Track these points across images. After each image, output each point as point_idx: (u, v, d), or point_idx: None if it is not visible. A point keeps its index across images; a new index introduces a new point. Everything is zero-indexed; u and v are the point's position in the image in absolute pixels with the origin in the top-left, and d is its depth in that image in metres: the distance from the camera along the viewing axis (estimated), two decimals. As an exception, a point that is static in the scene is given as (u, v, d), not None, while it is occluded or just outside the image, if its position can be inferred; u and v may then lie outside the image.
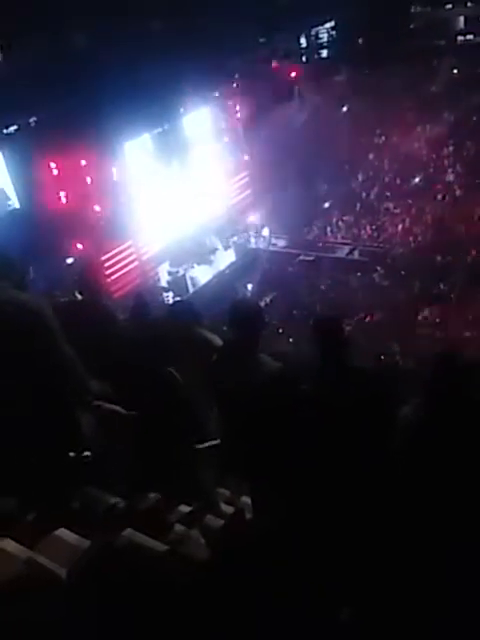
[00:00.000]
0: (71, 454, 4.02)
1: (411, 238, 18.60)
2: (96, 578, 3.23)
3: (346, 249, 18.98)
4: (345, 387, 3.45)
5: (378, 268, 17.52)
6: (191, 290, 17.31)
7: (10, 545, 3.56)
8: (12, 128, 13.53)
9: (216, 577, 3.46)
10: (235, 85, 18.94)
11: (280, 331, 15.31)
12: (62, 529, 3.49)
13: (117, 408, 4.23)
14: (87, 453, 4.06)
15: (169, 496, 4.50)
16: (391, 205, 20.24)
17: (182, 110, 17.45)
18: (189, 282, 17.44)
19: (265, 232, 19.62)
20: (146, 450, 4.35)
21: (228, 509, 4.47)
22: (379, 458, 3.42)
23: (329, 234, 19.86)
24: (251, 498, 4.24)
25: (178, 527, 4.08)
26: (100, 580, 3.22)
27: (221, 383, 3.69)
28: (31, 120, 13.84)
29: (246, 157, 19.95)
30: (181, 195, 17.75)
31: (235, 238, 19.05)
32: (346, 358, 3.51)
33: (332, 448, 3.38)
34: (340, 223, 20.16)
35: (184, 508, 4.40)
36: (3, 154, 13.35)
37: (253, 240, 19.45)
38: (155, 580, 3.34)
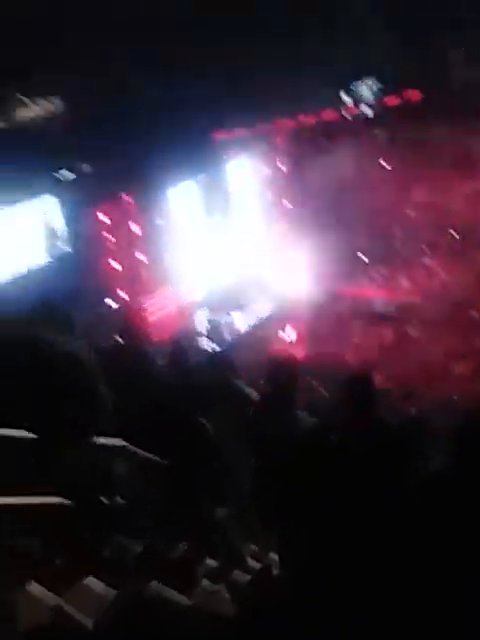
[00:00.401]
0: (102, 499, 4.05)
1: (448, 294, 18.49)
2: (122, 632, 3.23)
3: (382, 301, 18.95)
4: (377, 442, 3.44)
5: (413, 321, 17.43)
6: (228, 338, 17.36)
7: (36, 589, 3.58)
8: (65, 173, 14.02)
9: (242, 635, 3.41)
10: (279, 136, 19.33)
11: (312, 382, 15.22)
12: (90, 578, 3.50)
13: (151, 456, 4.27)
14: (119, 499, 4.09)
15: (197, 548, 4.48)
16: (428, 260, 20.20)
17: (225, 158, 17.81)
18: (227, 330, 17.51)
19: (303, 281, 19.67)
20: (176, 499, 4.36)
21: (255, 565, 4.43)
22: (411, 514, 3.38)
23: (366, 286, 19.85)
24: (279, 554, 4.20)
25: (205, 582, 4.05)
26: (126, 634, 3.21)
27: (258, 437, 3.71)
28: (83, 166, 14.33)
29: (287, 207, 20.20)
30: (222, 243, 18.00)
31: (273, 287, 19.14)
32: (377, 413, 3.51)
33: (364, 504, 3.36)
34: (377, 275, 20.17)
35: (211, 562, 4.37)
36: (57, 198, 13.79)
37: (290, 290, 19.51)
38: (181, 637, 3.32)
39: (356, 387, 3.48)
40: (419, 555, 3.40)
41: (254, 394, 4.60)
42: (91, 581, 3.52)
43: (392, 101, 20.50)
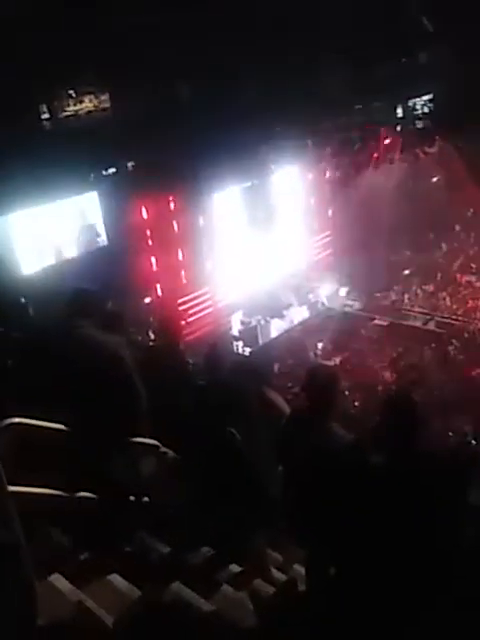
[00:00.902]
0: (131, 497, 4.03)
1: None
2: (142, 632, 3.20)
3: (422, 318, 18.64)
4: (412, 465, 3.36)
5: (454, 341, 17.09)
6: (261, 342, 17.34)
7: (60, 582, 3.57)
8: (111, 170, 14.15)
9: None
10: (327, 147, 19.25)
11: (346, 393, 15.09)
12: (114, 575, 3.49)
13: (180, 457, 4.23)
14: (145, 498, 4.07)
15: (220, 553, 4.44)
16: (473, 279, 19.86)
17: (272, 167, 17.84)
18: (260, 334, 17.51)
19: (341, 292, 19.57)
20: (202, 503, 4.32)
21: (278, 575, 4.36)
22: (448, 541, 3.29)
23: (407, 301, 19.60)
24: (306, 568, 4.12)
25: (226, 587, 4.00)
26: (145, 634, 3.19)
27: (290, 448, 3.65)
28: (129, 164, 14.45)
29: (330, 217, 20.12)
30: (262, 248, 18.02)
31: (311, 295, 19.07)
32: (416, 435, 3.42)
33: (397, 525, 3.28)
34: (419, 291, 19.89)
35: (234, 567, 4.32)
36: (98, 193, 13.95)
37: (328, 299, 19.40)
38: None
39: (398, 407, 3.39)
40: (449, 575, 3.31)
41: (282, 403, 4.52)
42: (115, 578, 3.51)
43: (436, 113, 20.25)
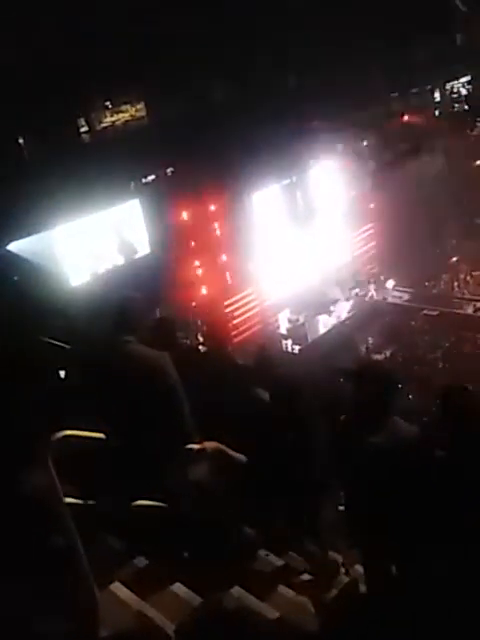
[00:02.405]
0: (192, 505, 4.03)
1: None
2: (202, 637, 3.19)
3: (473, 306, 18.19)
4: (473, 457, 3.28)
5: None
6: (310, 339, 17.22)
7: (121, 591, 3.60)
8: (150, 178, 14.28)
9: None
10: (366, 137, 19.00)
11: (400, 386, 14.84)
12: (175, 583, 3.49)
13: (238, 457, 4.19)
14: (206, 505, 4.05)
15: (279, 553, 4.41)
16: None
17: (311, 162, 17.70)
18: (308, 331, 17.39)
19: (389, 284, 19.27)
20: (266, 505, 4.29)
21: (340, 578, 4.30)
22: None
23: (456, 289, 19.16)
24: (365, 567, 4.05)
25: (287, 591, 3.97)
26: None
27: (353, 443, 3.58)
28: (168, 170, 14.55)
29: (373, 208, 19.84)
30: (305, 245, 17.90)
31: (357, 290, 18.85)
32: (475, 427, 3.34)
33: (462, 521, 3.20)
34: (468, 279, 19.41)
35: (294, 571, 4.28)
36: (140, 201, 14.08)
37: (375, 292, 19.14)
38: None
39: (453, 399, 3.31)
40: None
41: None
42: (175, 585, 3.52)
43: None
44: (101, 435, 3.36)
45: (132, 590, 3.52)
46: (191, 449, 3.69)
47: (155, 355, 3.61)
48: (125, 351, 3.57)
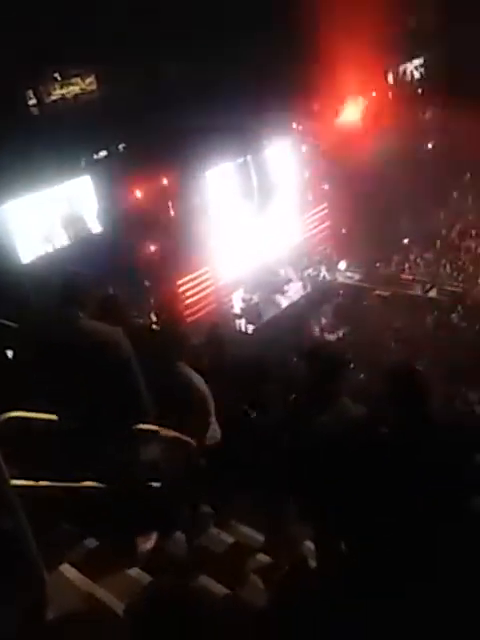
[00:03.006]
0: (139, 484, 4.00)
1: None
2: (154, 618, 3.18)
3: (424, 287, 18.54)
4: (421, 435, 3.33)
5: (457, 308, 17.02)
6: (263, 319, 17.29)
7: (70, 572, 3.56)
8: (102, 154, 13.99)
9: (273, 626, 3.34)
10: (318, 119, 19.04)
11: (351, 366, 15.05)
12: (125, 564, 3.47)
13: (187, 439, 4.18)
14: (154, 483, 4.03)
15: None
16: (473, 244, 19.71)
17: (265, 141, 17.64)
18: (262, 310, 17.45)
19: (341, 265, 19.46)
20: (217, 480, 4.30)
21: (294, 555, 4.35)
22: (456, 510, 3.27)
23: (407, 270, 19.48)
24: (316, 543, 4.10)
25: (237, 568, 3.99)
26: (158, 620, 3.16)
27: (302, 423, 3.60)
28: (120, 146, 14.28)
29: (326, 189, 19.94)
30: (259, 225, 17.89)
31: (311, 270, 18.97)
32: (422, 405, 3.39)
33: (408, 497, 3.25)
34: (419, 260, 19.76)
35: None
36: (91, 178, 13.80)
37: (328, 273, 19.30)
38: (212, 624, 3.26)
39: (401, 378, 3.34)
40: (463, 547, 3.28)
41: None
42: (125, 566, 3.49)
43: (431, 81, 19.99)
44: (50, 416, 3.28)
45: (81, 571, 3.48)
46: (146, 430, 3.65)
47: (108, 329, 3.52)
48: (76, 326, 3.47)
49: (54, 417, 3.34)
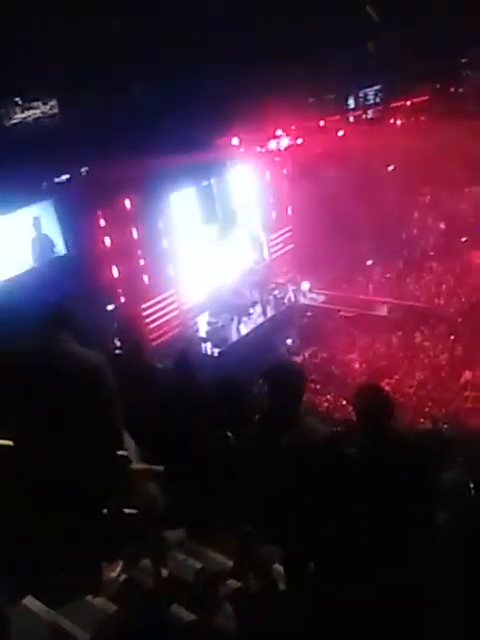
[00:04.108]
0: (104, 510, 3.91)
1: (455, 299, 18.33)
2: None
3: (388, 307, 18.76)
4: (387, 454, 3.34)
5: (420, 328, 17.25)
6: (229, 342, 17.25)
7: (34, 604, 3.45)
8: (64, 177, 13.90)
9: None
10: (281, 141, 19.27)
11: (318, 387, 15.10)
12: (88, 594, 3.38)
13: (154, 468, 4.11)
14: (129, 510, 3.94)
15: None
16: (435, 264, 20.06)
17: (227, 164, 17.78)
18: (228, 333, 17.42)
19: (305, 286, 19.59)
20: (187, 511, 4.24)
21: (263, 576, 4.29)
22: (423, 526, 3.28)
23: (371, 291, 19.71)
24: (285, 565, 4.06)
25: (205, 593, 3.92)
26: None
27: (266, 444, 3.57)
28: (82, 170, 14.21)
29: (289, 212, 20.15)
30: (223, 247, 17.95)
31: (276, 292, 19.06)
32: (388, 424, 3.41)
33: (375, 515, 3.25)
34: (383, 280, 20.02)
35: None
36: (54, 202, 13.70)
37: (293, 294, 19.41)
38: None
39: (367, 398, 3.36)
40: (433, 567, 3.28)
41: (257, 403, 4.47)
42: (90, 596, 3.40)
43: (397, 104, 20.45)
44: (8, 442, 3.19)
45: (46, 603, 3.38)
46: (121, 457, 3.58)
47: (93, 355, 3.45)
48: (61, 350, 3.38)
49: (15, 443, 3.26)
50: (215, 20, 16.32)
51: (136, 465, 3.83)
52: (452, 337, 16.50)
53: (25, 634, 3.09)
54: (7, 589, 3.02)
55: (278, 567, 4.15)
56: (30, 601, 3.43)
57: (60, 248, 14.11)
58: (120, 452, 3.66)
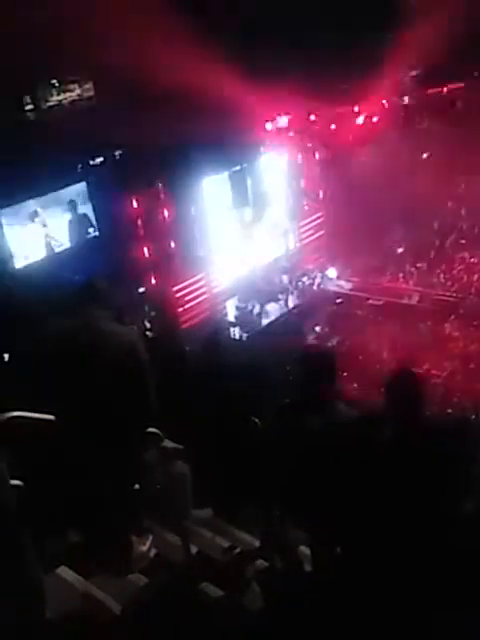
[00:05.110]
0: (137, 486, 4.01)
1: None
2: (150, 618, 3.20)
3: (418, 296, 18.61)
4: (417, 442, 3.35)
5: (450, 318, 17.10)
6: (258, 327, 17.31)
7: (67, 573, 3.57)
8: (98, 160, 14.02)
9: (270, 631, 3.36)
10: (315, 128, 19.14)
11: (345, 374, 15.09)
12: (122, 566, 3.49)
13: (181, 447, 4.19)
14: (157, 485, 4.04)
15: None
16: (467, 254, 19.80)
17: (261, 149, 17.73)
18: (256, 318, 17.48)
19: (331, 274, 19.51)
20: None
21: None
22: (450, 516, 3.29)
23: (401, 280, 19.56)
24: (311, 549, 4.12)
25: (236, 572, 4.01)
26: (154, 620, 3.18)
27: (296, 428, 3.62)
28: (116, 153, 14.31)
29: (321, 198, 20.04)
30: (254, 233, 17.94)
31: (305, 278, 19.03)
32: (420, 411, 3.42)
33: (402, 503, 3.28)
34: (413, 269, 19.84)
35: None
36: (88, 183, 13.84)
37: (322, 281, 19.36)
38: (208, 627, 3.28)
39: (400, 385, 3.37)
40: (453, 557, 3.30)
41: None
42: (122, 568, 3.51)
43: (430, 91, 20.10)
44: (51, 417, 3.28)
45: (79, 573, 3.49)
46: (152, 433, 3.66)
47: (128, 331, 3.52)
48: (96, 326, 3.44)
49: (52, 418, 3.35)
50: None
51: (167, 443, 3.92)
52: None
53: (58, 602, 3.19)
54: (42, 558, 3.13)
55: (305, 549, 4.21)
56: (63, 570, 3.54)
57: (91, 230, 14.27)
58: (152, 429, 3.74)
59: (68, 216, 14.00)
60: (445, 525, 3.28)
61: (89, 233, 14.25)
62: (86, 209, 14.13)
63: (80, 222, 14.15)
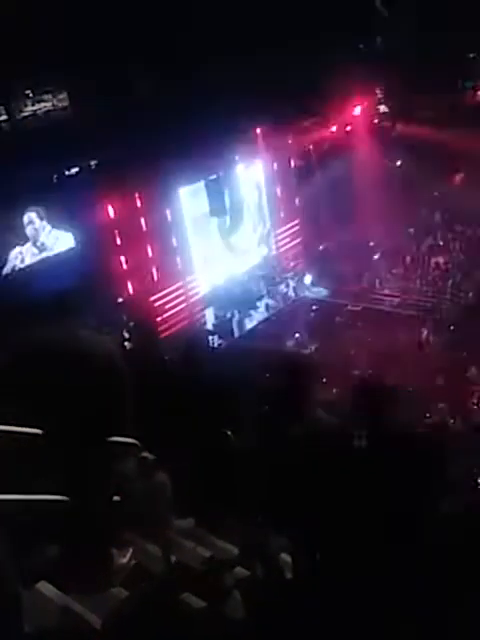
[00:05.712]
0: (116, 498, 3.98)
1: (461, 294, 18.33)
2: (130, 632, 3.17)
3: (394, 302, 18.78)
4: (394, 448, 3.38)
5: (427, 323, 17.27)
6: (236, 334, 17.32)
7: (46, 588, 3.52)
8: (73, 170, 13.96)
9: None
10: (291, 135, 19.26)
11: (324, 380, 15.12)
12: (102, 577, 3.45)
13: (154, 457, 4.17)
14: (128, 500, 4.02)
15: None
16: (441, 259, 20.04)
17: (237, 158, 17.80)
18: (235, 326, 17.49)
19: (307, 280, 19.60)
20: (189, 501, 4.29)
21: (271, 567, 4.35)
22: (428, 519, 3.32)
23: (378, 286, 19.71)
24: (292, 556, 4.12)
25: (216, 582, 3.99)
26: (134, 633, 3.15)
27: (275, 436, 3.63)
28: (92, 163, 14.27)
29: (297, 205, 20.16)
30: (231, 241, 17.99)
31: (282, 286, 19.10)
32: (390, 417, 3.45)
33: (381, 507, 3.30)
34: (389, 276, 20.01)
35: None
36: (63, 195, 13.77)
37: (300, 288, 19.44)
38: (189, 637, 3.26)
39: (372, 391, 3.41)
40: (430, 555, 3.33)
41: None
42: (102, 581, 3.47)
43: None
44: (33, 430, 3.25)
45: (58, 587, 3.45)
46: (126, 443, 3.63)
47: (108, 342, 3.51)
48: (74, 336, 3.43)
49: (29, 431, 3.31)
50: (210, 16, 16.25)
51: (146, 454, 3.89)
52: (457, 332, 16.51)
53: (37, 617, 3.15)
54: (20, 574, 3.09)
55: (285, 557, 4.21)
56: (43, 585, 3.49)
57: (68, 241, 14.18)
58: (131, 440, 3.72)
59: (45, 226, 13.90)
60: (424, 528, 3.31)
61: (64, 243, 14.16)
62: (62, 219, 14.04)
63: (55, 232, 14.06)
